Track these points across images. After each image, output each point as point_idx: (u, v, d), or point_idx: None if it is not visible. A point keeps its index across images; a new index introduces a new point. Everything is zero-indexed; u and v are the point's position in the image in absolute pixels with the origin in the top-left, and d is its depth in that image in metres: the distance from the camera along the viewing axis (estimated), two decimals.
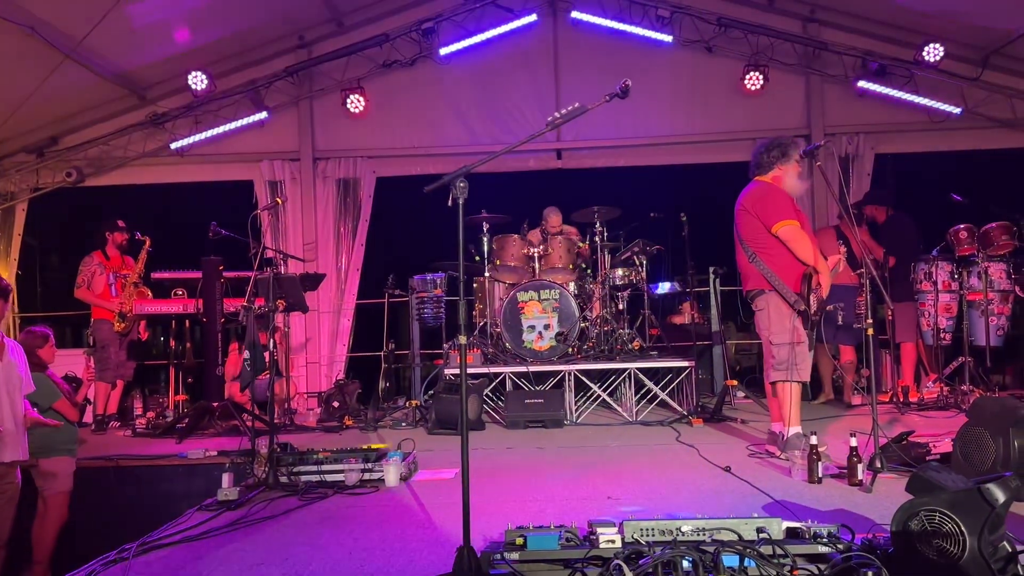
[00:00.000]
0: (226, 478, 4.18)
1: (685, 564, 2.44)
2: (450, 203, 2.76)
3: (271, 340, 4.57)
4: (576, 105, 3.01)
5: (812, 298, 4.60)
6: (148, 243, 7.70)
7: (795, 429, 4.67)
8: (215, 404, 6.81)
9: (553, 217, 8.08)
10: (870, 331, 4.47)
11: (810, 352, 4.76)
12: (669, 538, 2.68)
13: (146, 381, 8.73)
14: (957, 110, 8.69)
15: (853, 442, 4.09)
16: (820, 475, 4.09)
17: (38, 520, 5.11)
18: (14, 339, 4.96)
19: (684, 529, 2.71)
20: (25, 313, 9.55)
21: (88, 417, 7.52)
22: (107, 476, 5.49)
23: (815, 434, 4.21)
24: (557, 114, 3.02)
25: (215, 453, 5.57)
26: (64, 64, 7.79)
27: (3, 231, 9.36)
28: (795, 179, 4.87)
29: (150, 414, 7.58)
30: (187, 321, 7.43)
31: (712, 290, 7.96)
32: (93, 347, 7.53)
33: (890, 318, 7.38)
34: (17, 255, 9.40)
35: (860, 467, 4.00)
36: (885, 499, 3.69)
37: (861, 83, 8.76)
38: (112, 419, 7.48)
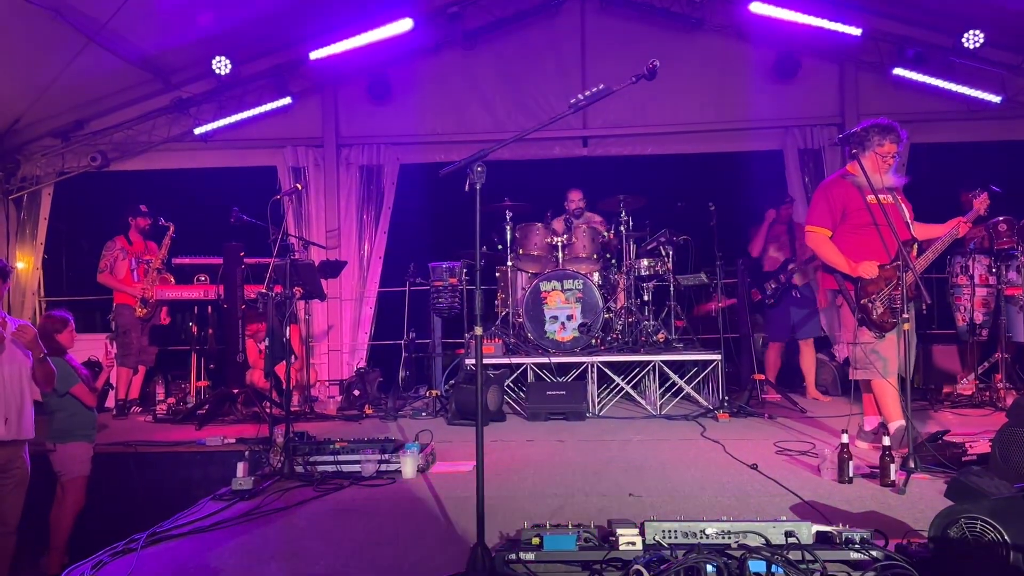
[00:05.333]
0: (240, 467, 4.12)
1: (709, 569, 2.33)
2: (467, 188, 2.64)
3: (302, 328, 4.52)
4: (600, 87, 2.88)
5: (877, 303, 4.52)
6: (172, 229, 7.70)
7: (897, 423, 4.48)
8: (235, 390, 6.79)
9: (573, 193, 7.96)
10: (906, 326, 4.31)
11: (898, 345, 4.52)
12: (692, 541, 2.57)
13: (170, 367, 8.73)
14: (997, 99, 8.40)
15: (886, 441, 3.94)
16: (851, 475, 3.94)
17: (56, 505, 5.10)
18: (32, 323, 4.93)
19: (708, 531, 2.60)
20: (51, 297, 9.59)
21: (110, 402, 7.54)
22: (125, 462, 5.47)
23: (846, 432, 4.07)
24: (580, 96, 2.89)
25: (233, 440, 5.53)
26: (88, 48, 7.74)
27: (29, 215, 9.40)
28: (872, 169, 4.60)
29: (171, 400, 7.57)
30: (209, 307, 7.42)
31: (740, 282, 7.78)
32: (115, 332, 7.53)
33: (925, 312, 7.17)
34: (43, 239, 9.44)
35: (893, 467, 3.85)
36: (919, 501, 3.54)
37: (897, 70, 8.51)
38: (134, 404, 7.49)
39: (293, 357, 6.96)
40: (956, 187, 7.20)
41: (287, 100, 9.10)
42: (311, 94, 9.33)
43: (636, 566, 2.30)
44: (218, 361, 7.54)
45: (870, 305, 4.56)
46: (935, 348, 7.74)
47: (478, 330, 2.72)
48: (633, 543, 2.54)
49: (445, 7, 8.85)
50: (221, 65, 8.49)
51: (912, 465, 3.88)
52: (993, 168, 8.24)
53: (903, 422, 4.36)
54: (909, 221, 4.80)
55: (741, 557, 2.34)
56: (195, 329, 7.71)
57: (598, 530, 2.71)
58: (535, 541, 2.61)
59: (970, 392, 6.79)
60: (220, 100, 9.09)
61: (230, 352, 6.84)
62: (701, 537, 2.58)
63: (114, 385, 7.42)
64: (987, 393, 6.63)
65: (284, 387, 5.66)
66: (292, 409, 6.45)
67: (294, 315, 7.18)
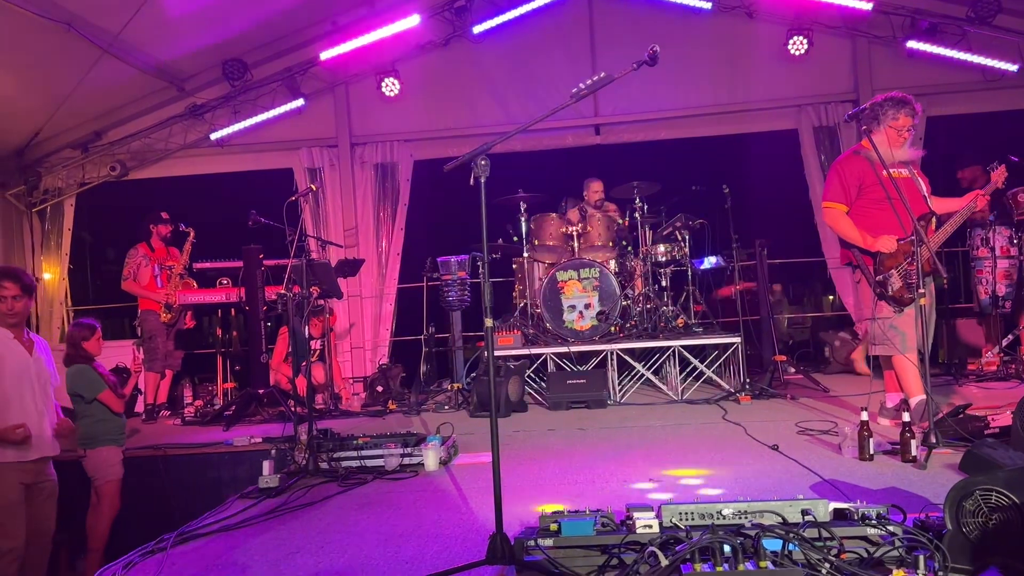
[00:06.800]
0: (267, 465, 4.19)
1: (725, 549, 2.34)
2: (471, 182, 2.66)
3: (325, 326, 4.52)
4: (602, 75, 2.89)
5: (895, 278, 4.52)
6: (192, 235, 7.80)
7: (917, 398, 4.46)
8: (261, 391, 6.88)
9: (594, 184, 7.98)
10: (923, 301, 4.28)
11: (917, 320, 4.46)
12: (709, 522, 2.58)
13: (196, 370, 8.86)
14: (1014, 67, 8.28)
15: (906, 416, 3.94)
16: (872, 452, 3.94)
17: (92, 509, 5.21)
18: (60, 333, 5.03)
19: (725, 512, 2.61)
20: (78, 306, 9.76)
21: (139, 407, 7.68)
22: (156, 465, 5.58)
23: (865, 409, 4.06)
24: (582, 84, 2.89)
25: (260, 440, 5.62)
26: (103, 59, 7.86)
27: (53, 226, 9.58)
28: (888, 144, 4.58)
29: (198, 402, 7.68)
30: (232, 309, 7.52)
31: (759, 263, 7.76)
32: (141, 338, 7.66)
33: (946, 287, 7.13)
34: (68, 249, 9.60)
35: (914, 443, 3.84)
36: (940, 476, 3.54)
37: (911, 43, 8.42)
38: (162, 408, 7.61)
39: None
40: (973, 159, 7.13)
41: (300, 102, 9.18)
42: (323, 95, 9.41)
43: (651, 548, 2.33)
44: (244, 362, 7.65)
45: (887, 280, 4.55)
46: (958, 322, 7.68)
47: (488, 322, 2.76)
48: (650, 526, 2.56)
49: (452, 1, 8.87)
50: (233, 70, 8.56)
51: (933, 440, 3.86)
52: (1012, 137, 8.13)
53: (924, 397, 4.34)
54: (926, 195, 4.77)
55: (755, 536, 2.35)
56: (219, 332, 7.83)
57: (616, 515, 2.74)
58: (553, 527, 2.64)
59: (995, 366, 6.73)
60: (234, 105, 9.19)
61: (254, 353, 6.94)
62: (718, 518, 2.60)
63: (142, 390, 7.56)
64: (1012, 365, 6.57)
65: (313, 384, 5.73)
66: (317, 407, 6.54)
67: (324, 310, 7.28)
